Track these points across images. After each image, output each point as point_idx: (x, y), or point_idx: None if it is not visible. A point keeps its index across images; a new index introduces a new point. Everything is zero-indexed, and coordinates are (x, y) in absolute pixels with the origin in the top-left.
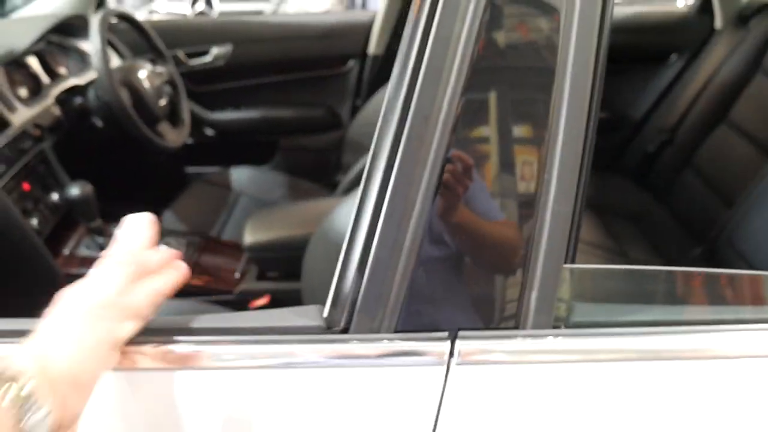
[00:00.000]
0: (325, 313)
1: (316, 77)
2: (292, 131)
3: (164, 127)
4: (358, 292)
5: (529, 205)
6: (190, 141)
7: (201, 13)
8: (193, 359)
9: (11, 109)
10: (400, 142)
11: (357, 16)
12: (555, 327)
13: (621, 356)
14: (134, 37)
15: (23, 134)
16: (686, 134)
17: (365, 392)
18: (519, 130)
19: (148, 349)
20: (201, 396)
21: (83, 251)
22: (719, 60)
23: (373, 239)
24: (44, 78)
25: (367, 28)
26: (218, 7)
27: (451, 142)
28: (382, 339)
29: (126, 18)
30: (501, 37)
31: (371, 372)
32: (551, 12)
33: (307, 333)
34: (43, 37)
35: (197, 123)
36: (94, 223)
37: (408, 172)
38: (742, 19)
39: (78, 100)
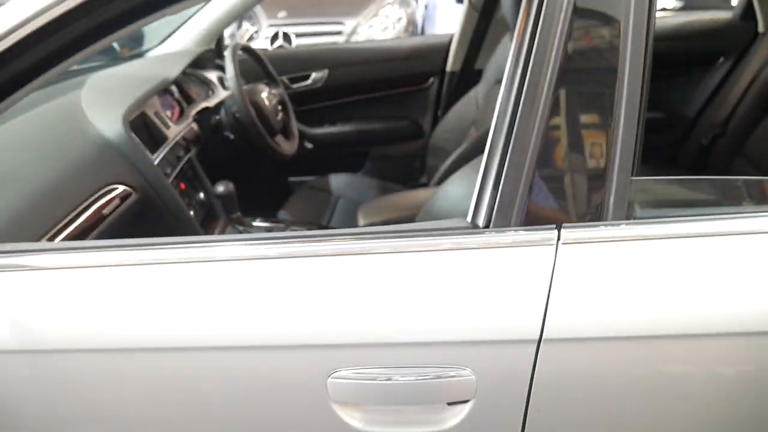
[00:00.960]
0: (469, 218)
1: (401, 93)
2: (381, 141)
3: (280, 139)
4: (495, 200)
5: (603, 155)
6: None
7: (280, 47)
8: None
9: (167, 126)
10: (518, 107)
11: (435, 38)
12: (626, 218)
13: (670, 236)
14: (251, 65)
15: (176, 145)
16: (737, 127)
17: (501, 271)
18: (589, 112)
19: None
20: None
21: None
22: (763, 60)
23: (504, 161)
24: (183, 102)
25: (445, 48)
26: (295, 42)
27: (550, 111)
28: (513, 230)
29: (247, 50)
30: (580, 47)
31: (505, 255)
32: (614, 22)
33: (456, 231)
34: (183, 70)
35: (300, 137)
36: (235, 215)
37: (525, 123)
38: None
39: (214, 117)
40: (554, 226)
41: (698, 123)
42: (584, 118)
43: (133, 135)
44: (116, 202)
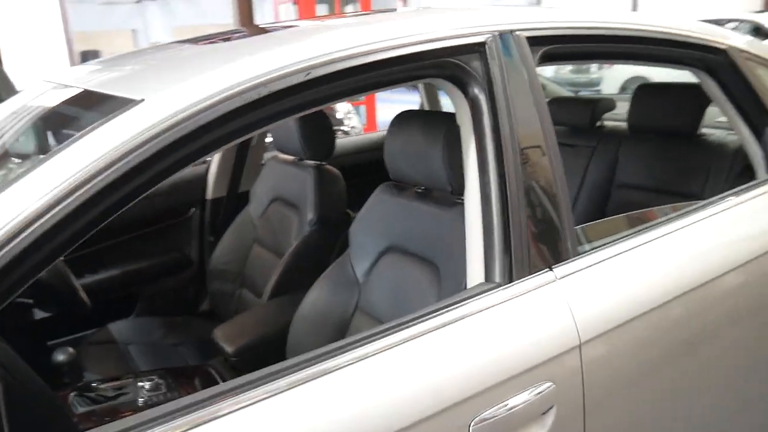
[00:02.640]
0: (487, 279)
1: (163, 227)
2: (150, 279)
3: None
4: (510, 260)
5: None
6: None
7: None
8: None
9: None
10: (506, 197)
11: (192, 170)
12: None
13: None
14: None
15: None
16: None
17: (530, 308)
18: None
19: None
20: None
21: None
22: None
23: (509, 232)
24: None
25: (202, 177)
26: None
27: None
28: (529, 278)
29: None
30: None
31: (534, 295)
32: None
33: (491, 291)
34: None
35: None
36: (81, 383)
37: (515, 205)
38: None
39: None
40: (548, 268)
41: None
42: (541, 194)
43: None
44: None
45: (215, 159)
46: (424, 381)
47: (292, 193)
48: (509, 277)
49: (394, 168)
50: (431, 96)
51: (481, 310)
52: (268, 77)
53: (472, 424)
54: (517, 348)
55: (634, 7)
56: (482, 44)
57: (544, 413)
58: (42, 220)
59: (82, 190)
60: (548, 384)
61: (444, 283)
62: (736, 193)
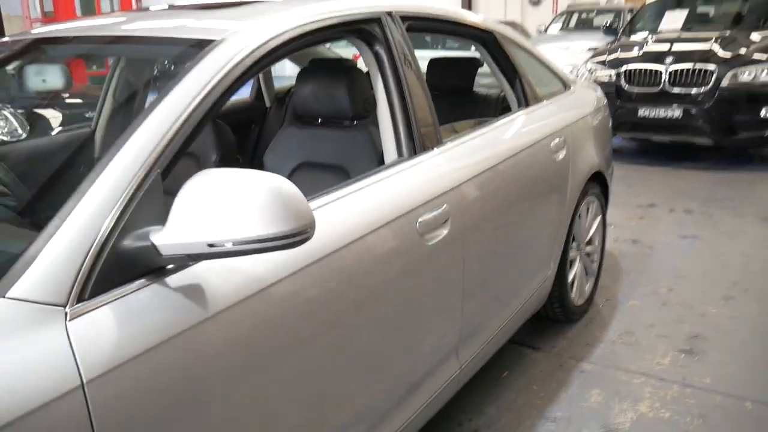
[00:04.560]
0: (405, 155)
1: None
2: None
3: None
4: (413, 141)
5: None
6: None
7: None
8: None
9: None
10: None
11: None
12: None
13: None
14: None
15: None
16: None
17: (425, 169)
18: None
19: None
20: None
21: None
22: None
23: (409, 125)
24: None
25: None
26: None
27: None
28: (424, 153)
29: None
30: None
31: (426, 164)
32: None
33: (406, 161)
34: None
35: None
36: None
37: None
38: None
39: None
40: (433, 148)
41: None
42: (422, 104)
43: None
44: None
45: None
46: (386, 204)
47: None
48: (412, 153)
49: (303, 107)
50: (267, 79)
51: (403, 170)
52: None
53: (417, 222)
54: (426, 187)
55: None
56: (379, 18)
57: (444, 222)
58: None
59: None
60: (445, 206)
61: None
62: (496, 121)
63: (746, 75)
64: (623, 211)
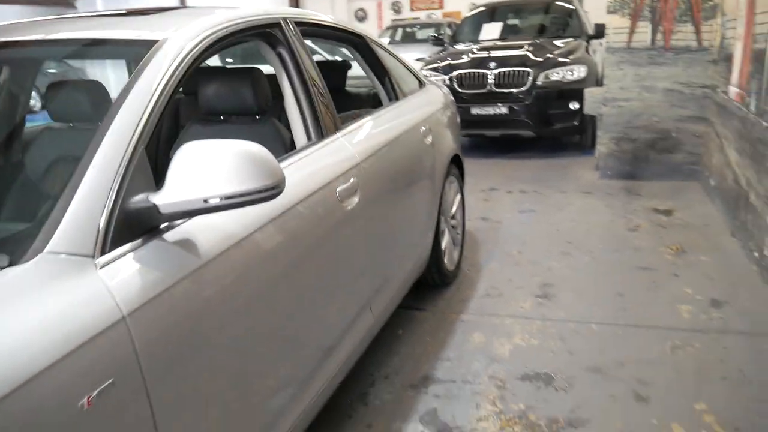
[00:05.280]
0: (313, 138)
1: None
2: None
3: None
4: (320, 127)
5: None
6: None
7: None
8: None
9: None
10: None
11: None
12: None
13: None
14: None
15: None
16: None
17: (333, 148)
18: None
19: None
20: None
21: None
22: None
23: (314, 113)
24: None
25: None
26: None
27: None
28: (331, 137)
29: None
30: None
31: (333, 145)
32: None
33: (315, 144)
34: None
35: None
36: None
37: None
38: None
39: None
40: (336, 132)
41: None
42: (320, 94)
43: None
44: None
45: None
46: (313, 177)
47: None
48: (320, 137)
49: (209, 104)
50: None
51: (317, 150)
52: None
53: (336, 191)
54: (338, 162)
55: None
56: (278, 23)
57: (355, 191)
58: None
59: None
60: (353, 179)
61: None
62: (374, 112)
63: (555, 75)
64: (470, 195)
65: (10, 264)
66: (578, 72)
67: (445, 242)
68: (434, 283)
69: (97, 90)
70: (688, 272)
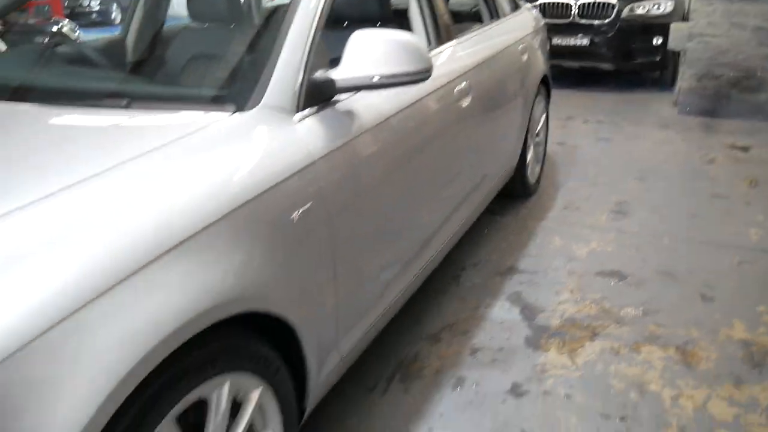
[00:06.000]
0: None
1: None
2: None
3: None
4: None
5: None
6: None
7: None
8: None
9: None
10: None
11: None
12: None
13: None
14: None
15: None
16: None
17: None
18: None
19: None
20: None
21: None
22: None
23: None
24: None
25: None
26: None
27: None
28: None
29: None
30: None
31: None
32: None
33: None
34: None
35: None
36: None
37: None
38: None
39: None
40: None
41: None
42: None
43: None
44: None
45: None
46: (437, 76)
47: None
48: (438, 44)
49: (338, 11)
50: None
51: (436, 54)
52: None
53: (454, 90)
54: (456, 66)
55: None
56: None
57: (468, 93)
58: None
59: None
60: (466, 82)
61: None
62: (479, 27)
63: (641, 9)
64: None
65: (236, 111)
66: (664, 6)
67: (529, 156)
68: (516, 193)
69: None
70: (761, 202)
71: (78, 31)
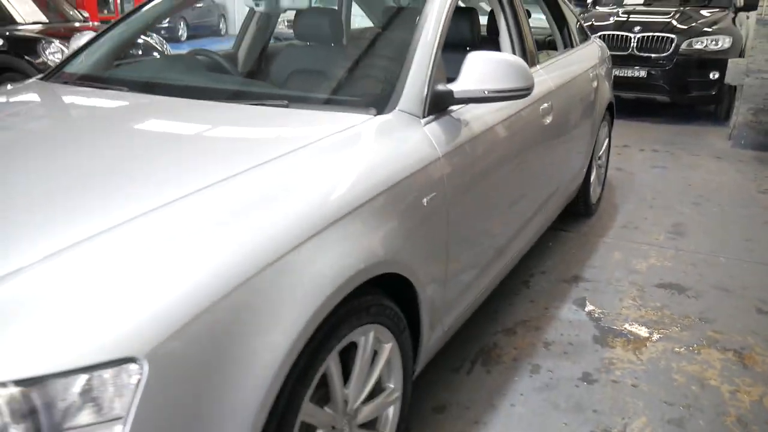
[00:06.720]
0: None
1: None
2: None
3: None
4: None
5: None
6: None
7: None
8: None
9: None
10: None
11: None
12: None
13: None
14: None
15: None
16: None
17: None
18: None
19: None
20: None
21: None
22: None
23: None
24: None
25: None
26: None
27: None
28: None
29: None
30: None
31: None
32: None
33: None
34: None
35: None
36: None
37: None
38: None
39: None
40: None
41: None
42: None
43: None
44: None
45: None
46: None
47: None
48: None
49: None
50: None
51: None
52: None
53: (540, 108)
54: (540, 88)
55: None
56: None
57: (550, 112)
58: None
59: None
60: (548, 102)
61: None
62: (556, 54)
63: (699, 44)
64: None
65: (377, 114)
66: (722, 42)
67: (592, 177)
68: (579, 212)
69: (334, 16)
70: None
71: (165, 45)
